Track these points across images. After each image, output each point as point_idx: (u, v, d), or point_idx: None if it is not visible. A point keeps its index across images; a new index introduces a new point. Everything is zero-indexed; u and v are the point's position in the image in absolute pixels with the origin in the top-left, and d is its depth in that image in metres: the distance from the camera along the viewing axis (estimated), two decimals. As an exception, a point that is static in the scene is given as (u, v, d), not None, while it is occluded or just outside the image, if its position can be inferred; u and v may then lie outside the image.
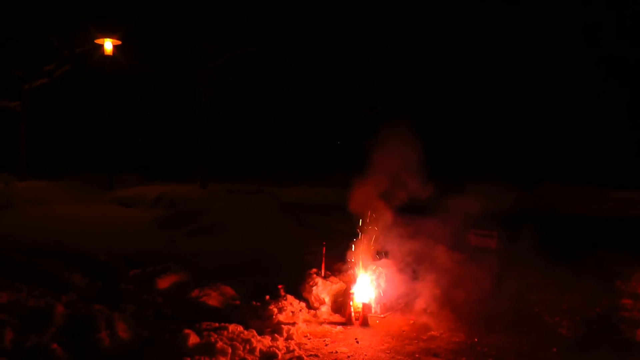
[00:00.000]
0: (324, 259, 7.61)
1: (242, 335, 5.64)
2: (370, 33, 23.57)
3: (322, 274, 7.49)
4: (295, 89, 25.39)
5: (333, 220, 13.19)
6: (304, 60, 23.56)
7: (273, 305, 6.65)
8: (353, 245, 7.64)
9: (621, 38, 22.11)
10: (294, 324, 6.37)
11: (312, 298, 7.16)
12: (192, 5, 19.55)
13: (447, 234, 8.77)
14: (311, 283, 7.24)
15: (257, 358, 5.37)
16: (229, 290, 7.48)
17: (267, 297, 6.98)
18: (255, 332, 5.79)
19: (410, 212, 8.11)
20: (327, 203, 17.48)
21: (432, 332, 6.41)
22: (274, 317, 6.43)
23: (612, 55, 22.80)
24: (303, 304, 7.00)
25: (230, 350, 5.26)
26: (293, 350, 5.62)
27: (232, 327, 5.76)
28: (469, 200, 8.73)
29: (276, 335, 5.92)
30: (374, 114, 24.37)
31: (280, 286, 7.25)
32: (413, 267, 7.98)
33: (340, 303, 7.04)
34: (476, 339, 6.15)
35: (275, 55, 21.88)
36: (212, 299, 7.24)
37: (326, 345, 5.97)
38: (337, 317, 6.93)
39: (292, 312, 6.67)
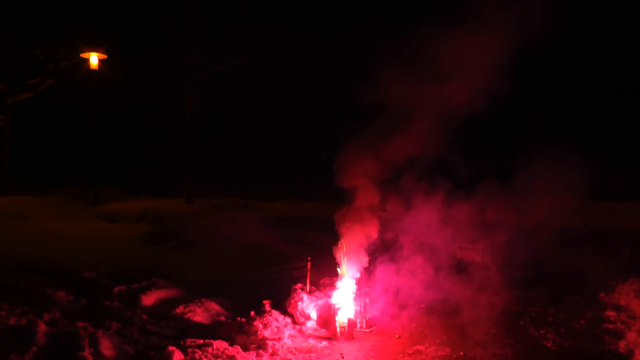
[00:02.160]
0: (309, 274, 7.61)
1: (226, 351, 5.61)
2: (356, 46, 23.67)
3: (308, 289, 7.48)
4: (282, 101, 25.37)
5: (319, 235, 13.20)
6: (289, 73, 23.58)
7: (258, 321, 6.61)
8: (338, 260, 7.65)
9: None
10: (279, 339, 6.34)
11: (298, 313, 7.14)
12: (177, 20, 19.60)
13: (435, 245, 8.82)
14: (296, 298, 7.23)
15: (241, 375, 5.36)
16: (214, 306, 7.45)
17: (252, 312, 6.95)
18: (240, 349, 5.77)
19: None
20: (313, 217, 17.47)
21: (418, 346, 6.40)
22: (259, 332, 6.40)
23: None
24: (288, 320, 6.98)
25: (214, 367, 5.24)
26: (278, 366, 5.62)
27: (216, 343, 5.73)
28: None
29: (261, 351, 5.89)
30: (360, 128, 24.37)
31: (265, 302, 7.20)
32: (397, 282, 8.00)
33: (326, 318, 7.01)
34: (462, 353, 6.16)
35: (261, 68, 21.88)
36: (197, 315, 7.20)
37: (311, 360, 5.96)
38: (322, 332, 6.92)
39: (278, 327, 6.64)
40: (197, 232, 13.09)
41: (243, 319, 6.78)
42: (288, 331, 6.70)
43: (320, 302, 7.22)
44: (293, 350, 6.24)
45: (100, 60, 19.31)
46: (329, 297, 7.32)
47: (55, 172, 27.60)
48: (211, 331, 6.60)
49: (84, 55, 19.09)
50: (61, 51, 19.80)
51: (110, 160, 27.77)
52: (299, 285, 7.54)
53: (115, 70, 20.34)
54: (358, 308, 7.19)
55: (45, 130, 28.80)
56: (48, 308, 6.53)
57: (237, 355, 5.56)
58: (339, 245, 7.68)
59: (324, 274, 7.99)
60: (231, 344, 5.87)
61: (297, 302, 7.20)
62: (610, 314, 7.49)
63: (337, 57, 22.94)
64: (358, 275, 7.61)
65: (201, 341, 5.84)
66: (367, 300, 7.33)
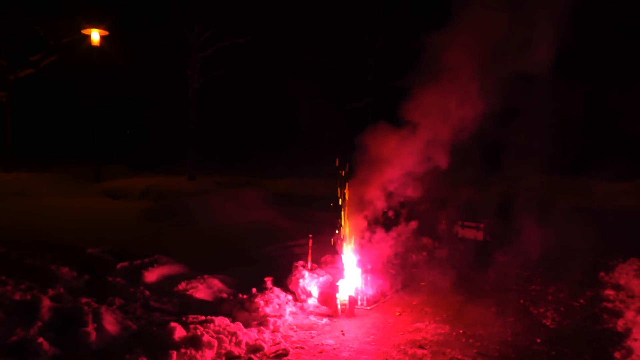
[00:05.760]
0: (310, 251, 7.64)
1: (228, 328, 5.65)
2: (359, 24, 23.53)
3: (309, 266, 7.52)
4: (284, 79, 25.24)
5: (321, 212, 13.23)
6: (292, 50, 23.46)
7: (260, 298, 6.66)
8: (339, 238, 7.68)
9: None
10: (280, 316, 6.39)
11: (299, 290, 7.18)
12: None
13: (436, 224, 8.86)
14: (298, 275, 7.27)
15: (243, 351, 5.41)
16: (216, 283, 7.50)
17: (254, 289, 6.99)
18: (241, 325, 5.81)
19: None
20: (316, 194, 17.50)
21: (418, 324, 6.46)
22: (261, 309, 6.45)
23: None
24: (290, 297, 7.03)
25: (216, 344, 5.29)
26: (279, 343, 5.66)
27: (218, 320, 5.78)
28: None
29: (262, 328, 5.94)
30: (362, 106, 24.36)
31: (267, 279, 7.25)
32: (399, 260, 8.05)
33: (327, 295, 7.06)
34: (461, 330, 6.21)
35: (263, 45, 21.77)
36: (199, 291, 7.26)
37: (312, 337, 6.01)
38: (323, 310, 6.97)
39: (279, 304, 6.70)
40: (200, 210, 13.13)
41: (245, 296, 6.83)
42: (289, 308, 6.75)
43: (321, 279, 7.26)
44: (294, 327, 6.29)
45: (102, 37, 19.19)
46: (330, 274, 7.37)
47: (58, 149, 27.63)
48: (213, 308, 6.65)
49: (85, 31, 18.97)
50: (62, 27, 19.64)
51: (113, 137, 27.77)
52: (301, 262, 7.58)
53: (117, 47, 20.22)
54: (359, 286, 7.24)
55: (48, 106, 28.79)
56: (52, 284, 6.57)
57: (238, 332, 5.60)
58: (341, 223, 7.72)
59: (326, 251, 8.04)
60: (233, 321, 5.92)
61: (298, 279, 7.24)
62: (610, 292, 7.56)
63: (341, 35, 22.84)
64: (359, 253, 7.66)
65: (203, 317, 5.88)
66: (368, 278, 7.38)
